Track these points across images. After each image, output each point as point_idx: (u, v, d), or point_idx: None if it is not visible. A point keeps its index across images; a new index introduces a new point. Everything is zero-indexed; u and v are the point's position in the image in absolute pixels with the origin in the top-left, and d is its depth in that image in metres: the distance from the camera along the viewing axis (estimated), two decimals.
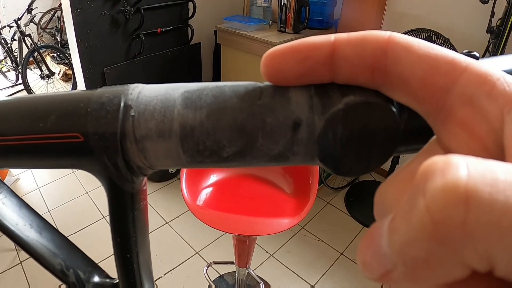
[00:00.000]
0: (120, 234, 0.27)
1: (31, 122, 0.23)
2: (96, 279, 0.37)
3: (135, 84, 0.23)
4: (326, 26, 2.72)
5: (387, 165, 2.77)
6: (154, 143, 0.21)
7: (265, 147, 0.21)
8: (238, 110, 0.21)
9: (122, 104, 0.22)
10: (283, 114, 0.20)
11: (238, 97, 0.21)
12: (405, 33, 2.17)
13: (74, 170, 2.63)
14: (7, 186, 0.34)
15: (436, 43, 2.03)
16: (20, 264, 2.14)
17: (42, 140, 0.22)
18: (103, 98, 0.22)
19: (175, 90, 0.22)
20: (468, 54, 0.22)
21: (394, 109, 0.19)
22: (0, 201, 0.32)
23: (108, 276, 0.38)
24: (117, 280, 0.36)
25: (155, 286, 0.33)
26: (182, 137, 0.21)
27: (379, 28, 2.62)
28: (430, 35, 2.05)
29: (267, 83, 0.22)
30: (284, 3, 2.47)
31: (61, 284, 0.36)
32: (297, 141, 0.20)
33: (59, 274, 0.34)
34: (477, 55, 0.21)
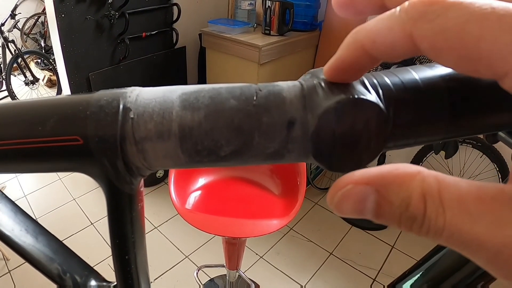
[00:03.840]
0: (119, 235, 0.28)
1: (30, 126, 0.23)
2: (93, 283, 0.37)
3: (133, 87, 0.24)
4: (311, 28, 2.74)
5: (373, 164, 2.77)
6: (153, 144, 0.22)
7: (261, 146, 0.22)
8: (235, 110, 0.21)
9: (121, 107, 0.22)
10: (278, 113, 0.21)
11: (235, 98, 0.22)
12: None
13: (61, 176, 2.60)
14: (2, 192, 0.34)
15: None
16: (8, 273, 2.11)
17: (41, 144, 0.23)
18: (102, 101, 0.23)
19: (173, 92, 0.23)
20: None
21: (382, 106, 0.20)
22: None
23: (104, 280, 0.38)
24: (114, 283, 0.36)
25: None
26: (181, 137, 0.22)
27: None
28: None
29: (261, 84, 0.23)
30: (268, 6, 2.48)
31: None
32: (292, 139, 0.21)
33: (56, 278, 0.35)
34: None
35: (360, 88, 0.21)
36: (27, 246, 0.34)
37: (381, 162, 2.65)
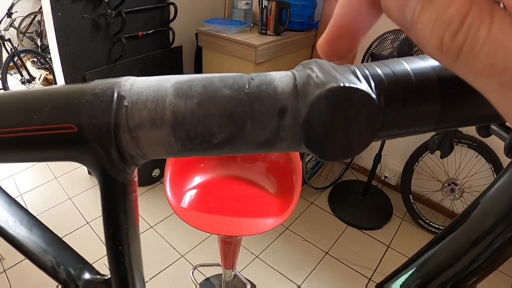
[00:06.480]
0: (112, 225, 0.28)
1: (25, 114, 0.23)
2: (87, 275, 0.37)
3: (127, 77, 0.24)
4: (307, 28, 2.74)
5: (369, 164, 2.80)
6: (146, 132, 0.22)
7: (253, 133, 0.22)
8: (227, 98, 0.22)
9: (115, 95, 0.22)
10: (269, 101, 0.22)
11: (227, 87, 0.22)
12: (386, 33, 2.20)
13: (57, 175, 2.58)
14: None
15: None
16: (4, 273, 2.10)
17: (36, 132, 0.23)
18: (97, 89, 0.23)
19: (167, 81, 0.23)
20: None
21: (374, 95, 0.20)
22: None
23: (98, 273, 0.38)
24: (108, 276, 0.37)
25: None
26: (174, 125, 0.22)
27: None
28: None
29: (254, 74, 0.23)
30: (265, 6, 2.48)
31: (58, 285, 0.37)
32: (284, 127, 0.22)
33: (50, 271, 0.35)
34: None
35: (351, 77, 0.21)
36: (21, 237, 0.34)
37: (376, 161, 2.66)
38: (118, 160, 0.24)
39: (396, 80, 0.22)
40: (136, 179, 0.27)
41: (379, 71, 0.22)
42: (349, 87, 0.20)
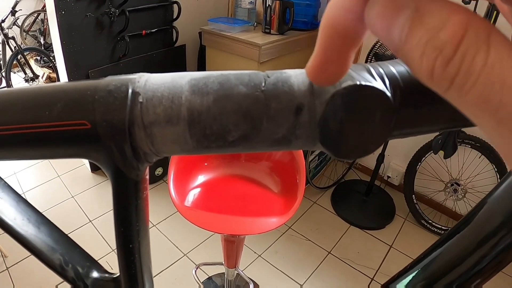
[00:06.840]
0: (123, 223, 0.27)
1: (37, 111, 0.23)
2: (95, 274, 0.37)
3: (141, 73, 0.24)
4: (311, 27, 2.74)
5: (372, 164, 2.80)
6: (162, 129, 0.22)
7: (269, 131, 0.22)
8: (243, 96, 0.22)
9: (130, 91, 0.22)
10: (286, 99, 0.21)
11: (243, 84, 0.22)
12: None
13: (60, 173, 2.58)
14: (4, 181, 0.34)
15: None
16: (7, 270, 2.11)
17: (48, 128, 0.23)
18: (110, 86, 0.23)
19: (182, 78, 0.23)
20: None
21: (389, 94, 0.20)
22: None
23: (106, 271, 0.38)
24: (116, 275, 0.36)
25: None
26: (190, 122, 0.22)
27: None
28: None
29: (269, 71, 0.23)
30: (268, 5, 2.48)
31: (57, 285, 0.37)
32: (300, 124, 0.22)
33: (58, 269, 0.35)
34: None
35: (367, 76, 0.21)
36: (29, 235, 0.34)
37: (379, 161, 2.66)
38: (132, 157, 0.23)
39: (410, 79, 0.21)
40: (147, 176, 0.27)
41: (394, 70, 0.22)
42: (365, 86, 0.20)
